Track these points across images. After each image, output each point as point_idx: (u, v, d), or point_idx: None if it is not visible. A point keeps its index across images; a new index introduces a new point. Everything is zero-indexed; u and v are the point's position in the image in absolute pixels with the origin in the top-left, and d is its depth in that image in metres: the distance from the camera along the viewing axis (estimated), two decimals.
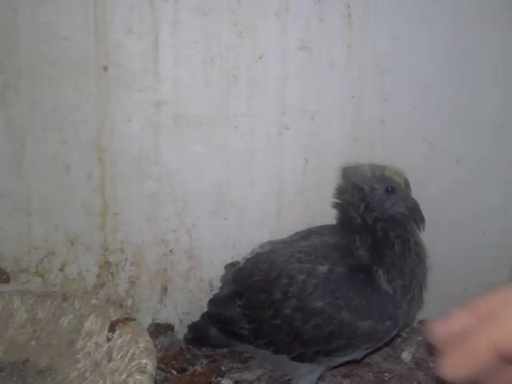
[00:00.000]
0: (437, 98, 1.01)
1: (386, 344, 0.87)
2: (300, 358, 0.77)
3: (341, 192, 0.85)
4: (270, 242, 0.90)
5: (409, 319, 0.82)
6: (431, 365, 0.92)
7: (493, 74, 1.02)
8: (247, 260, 0.86)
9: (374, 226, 0.80)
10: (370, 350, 0.80)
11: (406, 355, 0.94)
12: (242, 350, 0.90)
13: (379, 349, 0.88)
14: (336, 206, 0.86)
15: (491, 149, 1.05)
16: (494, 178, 1.07)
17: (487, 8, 1.00)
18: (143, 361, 0.66)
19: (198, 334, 0.91)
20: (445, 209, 1.04)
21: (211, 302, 0.88)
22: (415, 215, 0.82)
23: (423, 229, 0.83)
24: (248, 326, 0.79)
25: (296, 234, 0.89)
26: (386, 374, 0.90)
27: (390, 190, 0.80)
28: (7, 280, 0.89)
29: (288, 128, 0.96)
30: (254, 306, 0.79)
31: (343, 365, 0.85)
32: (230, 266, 0.92)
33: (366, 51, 0.97)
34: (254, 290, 0.80)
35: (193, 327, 0.92)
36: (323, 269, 0.76)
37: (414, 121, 1.01)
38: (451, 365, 0.33)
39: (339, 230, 0.84)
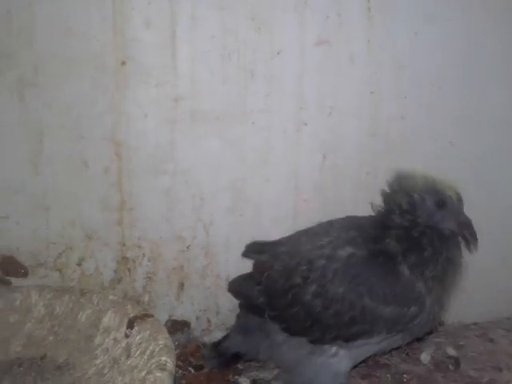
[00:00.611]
0: (455, 94, 1.00)
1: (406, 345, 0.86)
2: (319, 341, 0.76)
3: (390, 195, 0.80)
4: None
5: (433, 320, 0.79)
6: (450, 367, 0.91)
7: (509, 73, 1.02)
8: (270, 252, 0.85)
9: (414, 228, 0.76)
10: (394, 334, 0.77)
11: (424, 356, 0.93)
12: (265, 354, 0.86)
13: (397, 348, 0.87)
14: (383, 199, 0.82)
15: (508, 148, 1.04)
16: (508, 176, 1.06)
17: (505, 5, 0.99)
18: (163, 358, 0.66)
19: (225, 357, 0.88)
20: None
21: (232, 282, 0.88)
22: (466, 233, 0.76)
23: (475, 249, 0.76)
24: (268, 312, 0.79)
25: (320, 224, 0.86)
26: (405, 376, 0.89)
27: (441, 203, 0.76)
28: (25, 274, 0.89)
29: (305, 124, 0.96)
30: (274, 293, 0.78)
31: (363, 362, 0.84)
32: (253, 245, 0.90)
33: (385, 46, 0.96)
34: (272, 278, 0.79)
35: (217, 352, 0.88)
36: (344, 253, 0.75)
37: (433, 117, 1.00)
38: None
39: (371, 223, 0.81)
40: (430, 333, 0.92)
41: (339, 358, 0.76)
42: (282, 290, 0.77)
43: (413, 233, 0.76)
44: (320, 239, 0.78)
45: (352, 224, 0.81)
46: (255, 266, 0.86)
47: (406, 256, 0.74)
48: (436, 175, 0.78)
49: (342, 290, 0.73)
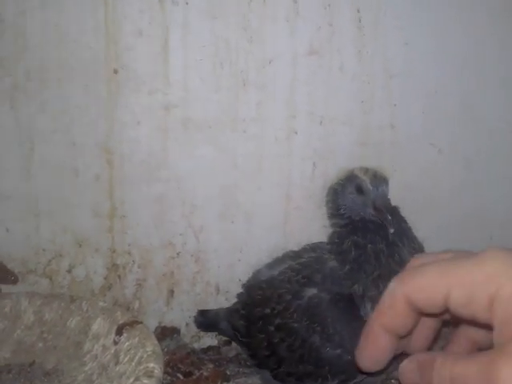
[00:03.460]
0: (445, 102, 1.01)
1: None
2: (276, 377, 0.77)
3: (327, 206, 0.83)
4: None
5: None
6: None
7: (501, 79, 1.03)
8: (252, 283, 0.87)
9: (348, 236, 0.75)
10: None
11: None
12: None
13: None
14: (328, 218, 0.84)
15: (500, 153, 1.06)
16: (502, 183, 1.07)
17: (495, 12, 1.00)
18: (151, 365, 0.66)
19: (209, 322, 0.92)
20: (452, 213, 1.04)
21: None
22: (379, 218, 0.73)
23: (391, 232, 0.72)
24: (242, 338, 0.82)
25: (302, 248, 0.88)
26: (393, 381, 0.90)
27: (358, 188, 0.75)
28: (15, 281, 0.90)
29: (296, 132, 0.96)
30: (250, 317, 0.81)
31: None
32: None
33: (376, 56, 0.96)
34: (252, 304, 0.81)
35: (204, 313, 0.93)
36: (308, 292, 0.75)
37: (423, 125, 1.01)
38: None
39: (329, 243, 0.81)
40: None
41: None
42: (257, 316, 0.79)
43: (348, 246, 0.74)
44: (291, 271, 0.79)
45: (318, 252, 0.81)
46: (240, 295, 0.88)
47: (361, 284, 0.72)
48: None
49: (297, 325, 0.73)
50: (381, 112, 0.99)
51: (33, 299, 0.83)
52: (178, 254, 0.95)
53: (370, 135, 1.00)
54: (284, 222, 0.99)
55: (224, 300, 0.97)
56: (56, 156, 0.89)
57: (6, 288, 0.89)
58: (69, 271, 0.92)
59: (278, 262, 0.87)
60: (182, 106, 0.91)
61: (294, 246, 0.95)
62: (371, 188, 0.74)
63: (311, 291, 0.75)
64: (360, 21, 0.95)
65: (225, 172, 0.95)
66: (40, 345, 0.80)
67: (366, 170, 0.76)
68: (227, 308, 0.90)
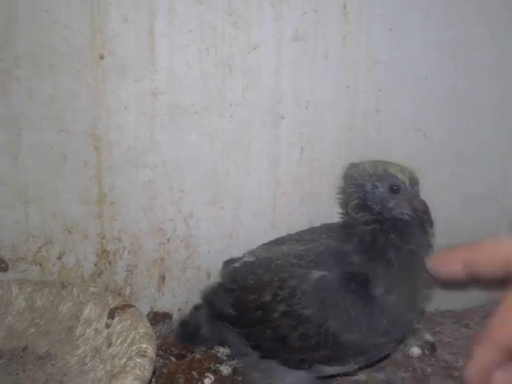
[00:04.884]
0: (432, 89, 1.02)
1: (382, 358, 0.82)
2: (285, 364, 0.74)
3: (343, 191, 0.78)
4: (266, 244, 0.87)
5: (408, 328, 0.76)
6: (426, 351, 0.94)
7: (489, 66, 1.04)
8: (244, 263, 0.82)
9: (371, 229, 0.73)
10: (362, 365, 0.76)
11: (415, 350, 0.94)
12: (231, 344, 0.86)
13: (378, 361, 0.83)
14: (340, 204, 0.80)
15: (487, 140, 1.07)
16: (490, 170, 1.08)
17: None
18: (143, 345, 0.67)
19: (189, 332, 0.88)
20: (441, 201, 1.05)
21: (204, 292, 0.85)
22: (421, 217, 0.73)
23: (432, 234, 0.75)
24: (237, 329, 0.77)
25: (297, 233, 0.86)
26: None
27: (394, 188, 0.73)
28: (5, 269, 0.89)
29: (283, 117, 0.97)
30: (243, 305, 0.76)
31: None
32: (229, 262, 0.88)
33: (360, 42, 0.98)
34: (245, 289, 0.77)
35: (184, 324, 0.89)
36: (315, 275, 0.72)
37: (409, 111, 1.02)
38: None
39: (340, 232, 0.78)
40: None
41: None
42: (253, 305, 0.75)
43: (373, 237, 0.72)
44: (294, 255, 0.76)
45: (324, 237, 0.79)
46: (228, 274, 0.83)
47: (375, 270, 0.71)
48: (389, 160, 0.77)
49: (308, 312, 0.70)
50: (366, 97, 1.00)
51: (23, 286, 0.84)
52: (168, 239, 0.96)
53: (356, 120, 1.01)
54: (272, 207, 1.00)
55: None
56: (44, 142, 0.88)
57: None
58: (59, 258, 0.92)
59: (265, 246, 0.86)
60: (168, 92, 0.91)
61: (283, 230, 0.97)
62: (409, 188, 0.73)
63: (317, 272, 0.72)
64: (345, 7, 0.96)
65: (212, 157, 0.95)
66: (32, 330, 0.80)
67: (402, 169, 0.74)
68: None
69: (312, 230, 0.86)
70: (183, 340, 0.89)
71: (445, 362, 0.91)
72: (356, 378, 0.86)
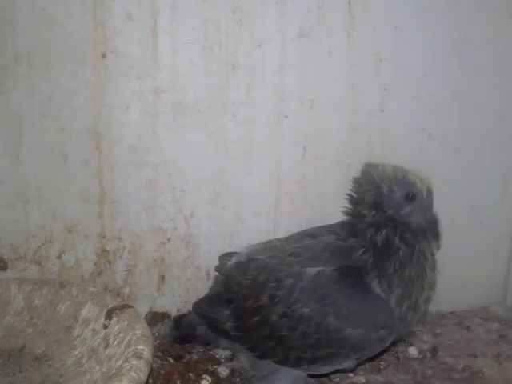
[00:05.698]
0: (435, 87, 1.00)
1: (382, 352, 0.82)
2: (282, 363, 0.74)
3: (357, 187, 0.77)
4: (263, 243, 0.85)
5: (407, 327, 0.75)
6: (427, 354, 0.92)
7: (491, 64, 1.03)
8: (238, 263, 0.81)
9: (383, 228, 0.73)
10: (363, 359, 0.75)
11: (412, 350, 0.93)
12: (227, 347, 0.86)
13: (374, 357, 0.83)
14: (349, 199, 0.79)
15: (489, 138, 1.06)
16: (492, 168, 1.07)
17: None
18: (140, 347, 0.67)
19: (184, 332, 0.88)
20: (442, 198, 1.03)
21: (198, 303, 0.84)
22: (431, 229, 0.74)
23: (438, 247, 0.76)
24: (234, 333, 0.76)
25: (291, 236, 0.85)
26: (382, 363, 0.90)
27: (411, 196, 0.73)
28: (5, 268, 0.89)
29: (286, 116, 0.96)
30: (243, 314, 0.75)
31: None
32: (226, 256, 0.87)
33: (365, 39, 0.96)
34: (242, 298, 0.76)
35: (179, 325, 0.89)
36: (311, 272, 0.71)
37: (414, 111, 1.01)
38: None
39: (340, 228, 0.78)
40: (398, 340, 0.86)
41: None
42: (251, 309, 0.74)
43: (384, 235, 0.72)
44: (288, 254, 0.75)
45: (321, 236, 0.78)
46: (223, 282, 0.82)
47: (379, 267, 0.71)
48: (408, 167, 0.76)
49: (307, 310, 0.70)
50: (371, 96, 0.99)
51: (22, 285, 0.84)
52: (168, 239, 0.95)
53: (360, 120, 0.99)
54: (274, 206, 0.99)
55: None
56: (44, 141, 0.88)
57: None
58: (58, 257, 0.91)
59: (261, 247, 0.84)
60: (171, 91, 0.90)
61: (285, 230, 0.96)
62: (425, 198, 0.74)
63: (313, 269, 0.71)
64: (350, 3, 0.94)
65: (215, 156, 0.94)
66: (30, 330, 0.80)
67: (420, 179, 0.74)
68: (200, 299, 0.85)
69: (306, 231, 0.85)
70: (178, 340, 0.89)
71: (445, 365, 0.90)
72: (355, 380, 0.86)
